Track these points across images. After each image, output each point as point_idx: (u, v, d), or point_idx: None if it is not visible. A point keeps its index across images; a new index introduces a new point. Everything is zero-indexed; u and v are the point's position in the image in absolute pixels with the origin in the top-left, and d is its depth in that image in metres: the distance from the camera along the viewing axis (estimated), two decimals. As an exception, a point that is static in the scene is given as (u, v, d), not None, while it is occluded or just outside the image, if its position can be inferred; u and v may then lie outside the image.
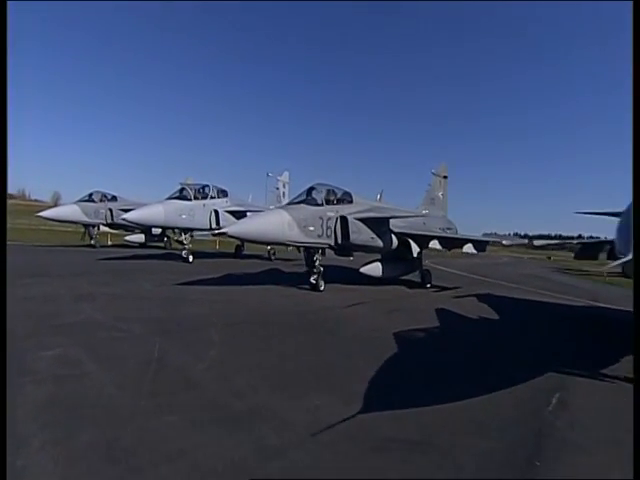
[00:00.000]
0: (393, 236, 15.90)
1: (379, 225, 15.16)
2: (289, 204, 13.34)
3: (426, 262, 20.71)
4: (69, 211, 24.30)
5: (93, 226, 25.38)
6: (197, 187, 20.51)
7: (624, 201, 6.38)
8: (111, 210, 24.48)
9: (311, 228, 13.00)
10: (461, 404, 5.01)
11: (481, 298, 15.80)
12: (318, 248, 13.76)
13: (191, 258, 20.16)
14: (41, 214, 23.40)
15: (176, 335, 7.21)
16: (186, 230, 20.15)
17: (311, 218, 13.06)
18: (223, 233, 11.62)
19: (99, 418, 4.00)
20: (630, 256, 4.56)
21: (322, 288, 13.91)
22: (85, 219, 24.57)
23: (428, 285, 17.49)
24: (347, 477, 3.42)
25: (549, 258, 73.55)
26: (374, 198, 17.71)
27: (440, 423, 4.51)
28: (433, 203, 21.92)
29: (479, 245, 17.35)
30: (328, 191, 14.17)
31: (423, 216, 19.20)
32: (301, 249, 14.21)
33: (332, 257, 16.00)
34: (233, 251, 28.24)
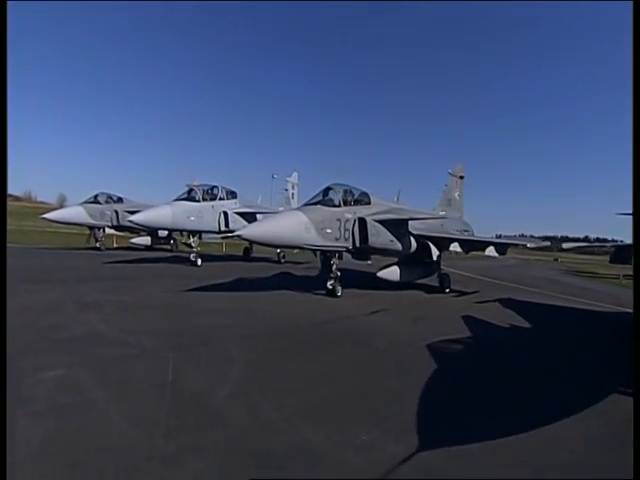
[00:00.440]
0: (412, 239, 15.14)
1: (398, 227, 14.42)
2: (305, 205, 12.60)
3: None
4: (74, 213, 23.73)
5: (99, 228, 24.81)
6: (206, 188, 19.82)
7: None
8: (117, 212, 23.90)
9: (328, 230, 12.26)
10: (524, 437, 4.23)
11: (504, 304, 15.02)
12: (335, 251, 13.03)
13: (199, 261, 19.46)
14: (45, 216, 22.88)
15: (191, 351, 6.47)
16: (194, 232, 19.44)
17: (328, 220, 12.34)
18: (237, 236, 10.91)
19: (109, 469, 3.25)
20: None
21: (339, 294, 13.14)
22: (90, 221, 24.01)
23: (447, 290, 16.69)
24: None
25: (556, 260, 72.59)
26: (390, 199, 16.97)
27: (517, 460, 3.75)
28: (450, 204, 21.12)
29: (501, 248, 16.58)
30: (345, 191, 13.45)
31: (441, 218, 18.41)
32: (317, 253, 13.50)
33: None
34: (241, 254, 27.59)
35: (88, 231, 25.41)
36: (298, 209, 12.26)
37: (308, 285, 15.22)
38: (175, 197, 19.01)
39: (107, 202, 24.79)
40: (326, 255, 13.18)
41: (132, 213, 19.18)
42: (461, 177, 22.14)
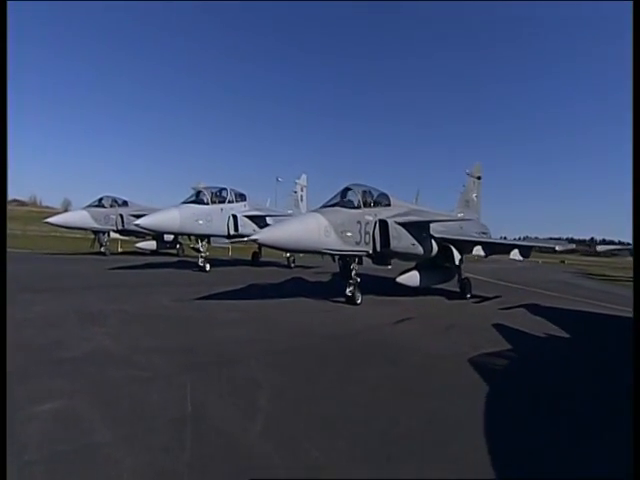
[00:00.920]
0: (434, 242, 14.29)
1: (420, 230, 13.59)
2: (323, 207, 11.78)
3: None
4: (78, 217, 23.11)
5: (103, 233, 24.14)
6: (214, 190, 19.06)
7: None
8: (122, 216, 23.26)
9: (349, 234, 11.45)
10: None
11: (531, 310, 14.13)
12: (355, 256, 12.20)
13: (208, 267, 18.67)
14: (49, 220, 22.30)
15: (210, 373, 5.65)
16: (202, 237, 18.66)
17: (348, 222, 11.53)
18: (253, 240, 10.11)
19: None
20: None
21: (359, 301, 12.29)
22: (95, 225, 23.37)
23: (468, 295, 15.80)
24: None
25: (562, 262, 71.56)
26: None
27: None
28: (468, 206, 20.25)
29: (525, 251, 15.69)
30: (364, 192, 12.63)
31: (466, 220, 17.56)
32: (335, 257, 12.68)
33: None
34: (247, 258, 26.83)
35: (92, 235, 24.78)
36: (316, 211, 11.44)
37: (324, 291, 14.41)
38: (182, 200, 18.30)
39: (112, 206, 24.17)
40: (345, 260, 12.34)
41: (137, 217, 18.51)
42: (478, 177, 21.28)
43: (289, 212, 23.39)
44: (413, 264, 15.10)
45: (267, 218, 20.29)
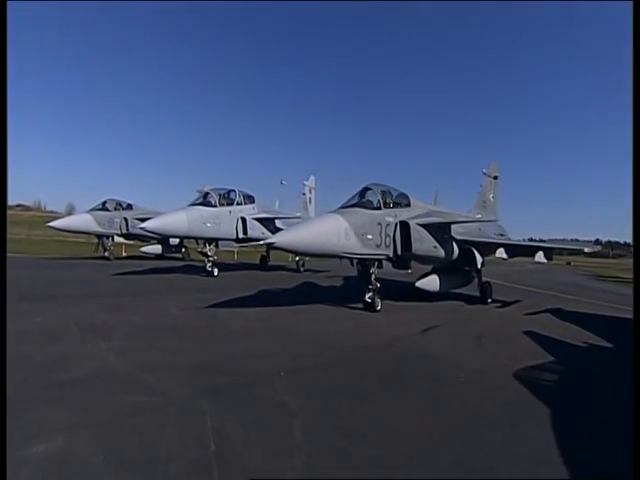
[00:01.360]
0: (455, 244, 13.54)
1: (442, 232, 12.86)
2: (342, 208, 11.05)
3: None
4: (81, 221, 22.52)
5: (107, 237, 23.52)
6: (222, 192, 18.37)
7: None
8: (126, 219, 22.63)
9: (369, 236, 10.72)
10: None
11: (558, 315, 13.38)
12: (375, 260, 11.46)
13: (216, 271, 17.95)
14: (52, 224, 21.73)
15: (231, 397, 4.90)
16: (210, 240, 17.95)
17: (369, 224, 10.81)
18: (269, 244, 9.38)
19: None
20: None
21: (379, 307, 11.53)
22: (98, 229, 22.76)
23: (489, 300, 15.04)
24: None
25: (569, 264, 71.01)
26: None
27: None
28: (485, 207, 19.48)
29: (548, 253, 14.93)
30: (384, 192, 11.93)
31: (490, 221, 16.82)
32: (353, 261, 11.94)
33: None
34: (254, 262, 26.14)
35: (96, 240, 24.17)
36: (335, 212, 10.71)
37: (339, 297, 13.67)
38: (187, 203, 17.62)
39: (116, 209, 23.57)
40: (364, 264, 11.59)
41: (142, 220, 17.88)
42: (495, 177, 20.50)
43: (297, 215, 22.70)
44: (430, 267, 14.41)
45: (276, 221, 19.62)
